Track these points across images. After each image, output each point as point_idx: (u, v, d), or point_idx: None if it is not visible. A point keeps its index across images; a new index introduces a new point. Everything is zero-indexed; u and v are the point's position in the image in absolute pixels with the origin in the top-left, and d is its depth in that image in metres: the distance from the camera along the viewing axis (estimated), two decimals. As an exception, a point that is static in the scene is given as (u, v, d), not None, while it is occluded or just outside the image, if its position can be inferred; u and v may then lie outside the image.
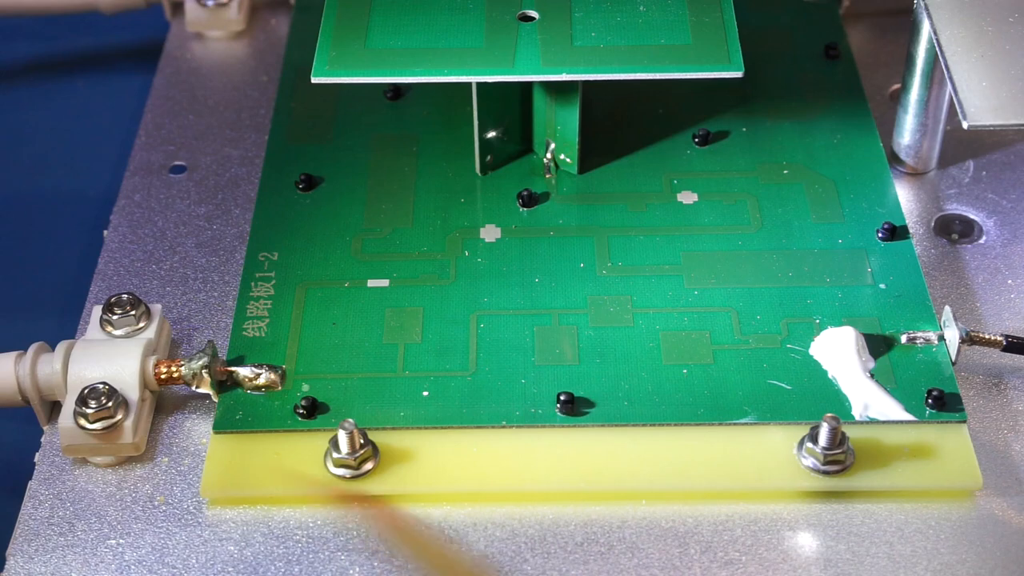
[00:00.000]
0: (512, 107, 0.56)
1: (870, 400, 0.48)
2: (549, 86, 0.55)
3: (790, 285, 0.52)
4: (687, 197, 0.55)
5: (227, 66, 0.64)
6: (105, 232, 0.56)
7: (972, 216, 0.56)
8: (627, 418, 0.47)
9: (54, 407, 0.49)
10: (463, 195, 0.56)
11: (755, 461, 0.46)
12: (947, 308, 0.50)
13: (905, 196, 0.56)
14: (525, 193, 0.55)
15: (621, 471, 0.46)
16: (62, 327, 0.55)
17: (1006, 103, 0.48)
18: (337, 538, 0.46)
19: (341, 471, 0.46)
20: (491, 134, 0.56)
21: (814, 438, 0.46)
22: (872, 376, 0.48)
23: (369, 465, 0.46)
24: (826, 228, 0.54)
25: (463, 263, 0.53)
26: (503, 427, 0.47)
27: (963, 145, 0.59)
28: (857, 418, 0.47)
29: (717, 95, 0.60)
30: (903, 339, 0.50)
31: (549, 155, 0.56)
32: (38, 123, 0.67)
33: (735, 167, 0.57)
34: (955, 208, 0.56)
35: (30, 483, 0.47)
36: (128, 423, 0.47)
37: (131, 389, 0.48)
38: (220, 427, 0.48)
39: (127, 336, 0.49)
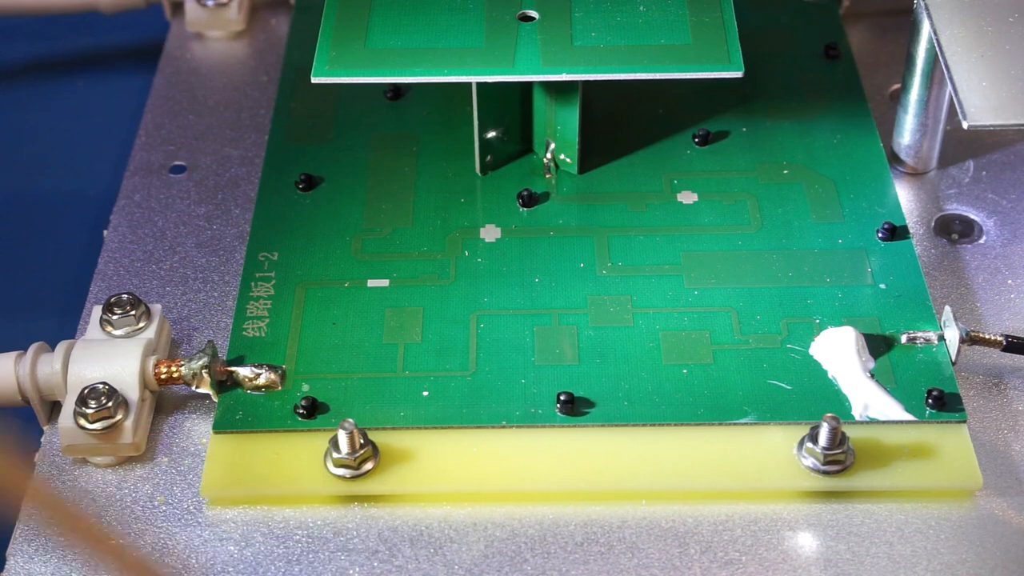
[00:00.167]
0: (512, 107, 0.56)
1: (870, 400, 0.48)
2: (549, 86, 0.55)
3: (790, 285, 0.52)
4: (687, 197, 0.55)
5: (227, 66, 0.64)
6: (105, 232, 0.56)
7: (972, 216, 0.56)
8: (627, 418, 0.47)
9: (54, 407, 0.49)
10: (463, 195, 0.56)
11: (755, 461, 0.46)
12: (947, 308, 0.50)
13: (905, 196, 0.56)
14: (525, 193, 0.55)
15: (621, 471, 0.46)
16: (62, 327, 0.55)
17: (1006, 103, 0.48)
18: (337, 538, 0.46)
19: (341, 471, 0.46)
20: (491, 134, 0.56)
21: (814, 438, 0.46)
22: (872, 376, 0.48)
23: (369, 465, 0.46)
24: (826, 228, 0.54)
25: (463, 263, 0.53)
26: (503, 427, 0.47)
27: (963, 145, 0.59)
28: (857, 418, 0.47)
29: (717, 95, 0.60)
30: (903, 339, 0.50)
31: (549, 155, 0.56)
32: (38, 123, 0.67)
33: (735, 167, 0.57)
34: (955, 208, 0.56)
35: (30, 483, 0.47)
36: (128, 423, 0.47)
37: (131, 389, 0.48)
38: (220, 427, 0.48)
39: (127, 336, 0.49)
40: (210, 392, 0.48)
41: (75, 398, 0.47)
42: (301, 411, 0.48)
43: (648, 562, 0.45)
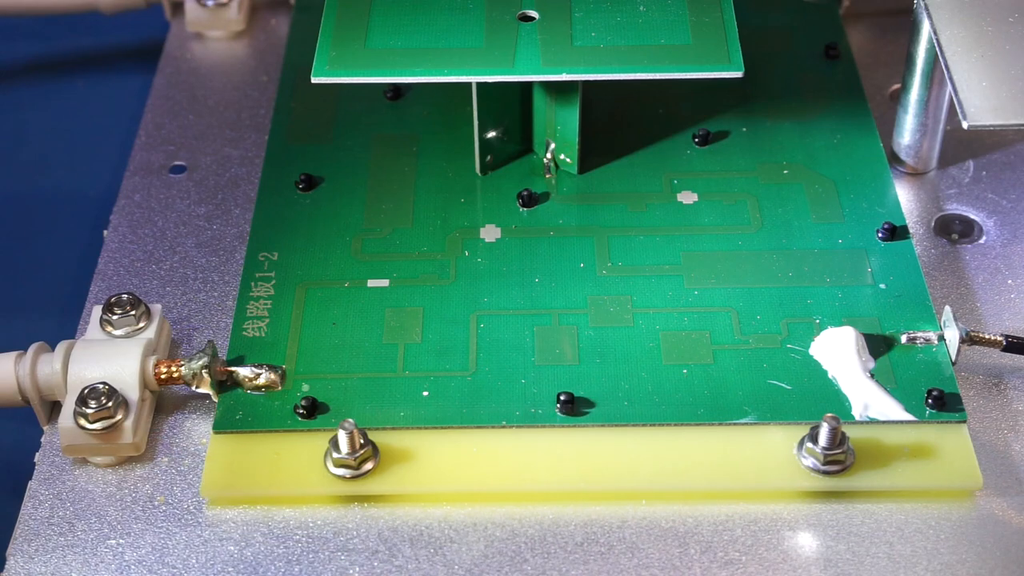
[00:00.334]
0: (512, 107, 0.56)
1: (870, 400, 0.48)
2: (549, 86, 0.55)
3: (790, 285, 0.52)
4: (687, 197, 0.55)
5: (227, 66, 0.64)
6: (105, 232, 0.56)
7: (972, 216, 0.56)
8: (627, 418, 0.47)
9: (54, 407, 0.49)
10: (463, 195, 0.56)
11: (755, 461, 0.46)
12: (947, 308, 0.50)
13: (905, 196, 0.56)
14: (525, 193, 0.55)
15: (621, 471, 0.46)
16: (62, 327, 0.55)
17: (1006, 103, 0.48)
18: (337, 538, 0.46)
19: (341, 471, 0.46)
20: (491, 134, 0.56)
21: (814, 438, 0.46)
22: (872, 376, 0.48)
23: (369, 465, 0.46)
24: (826, 228, 0.54)
25: (463, 263, 0.53)
26: (503, 427, 0.47)
27: (963, 145, 0.59)
28: (857, 418, 0.47)
29: (717, 95, 0.60)
30: (903, 339, 0.50)
31: (549, 155, 0.56)
32: (38, 123, 0.67)
33: (735, 167, 0.57)
34: (955, 208, 0.56)
35: (30, 483, 0.47)
36: (128, 423, 0.47)
37: (131, 389, 0.48)
38: (220, 427, 0.48)
39: (127, 336, 0.49)
40: (210, 392, 0.48)
41: (75, 398, 0.47)
42: (301, 411, 0.48)
43: (648, 562, 0.45)
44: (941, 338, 0.50)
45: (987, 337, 0.49)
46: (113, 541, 0.46)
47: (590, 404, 0.48)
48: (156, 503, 0.47)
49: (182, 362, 0.48)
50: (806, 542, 0.45)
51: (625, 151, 0.58)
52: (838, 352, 0.49)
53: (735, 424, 0.47)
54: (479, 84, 0.54)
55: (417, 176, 0.57)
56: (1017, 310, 0.52)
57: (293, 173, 0.57)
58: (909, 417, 0.47)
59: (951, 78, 0.49)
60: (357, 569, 0.45)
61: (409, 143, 0.58)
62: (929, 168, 0.58)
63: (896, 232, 0.53)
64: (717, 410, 0.48)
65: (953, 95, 0.49)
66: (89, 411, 0.46)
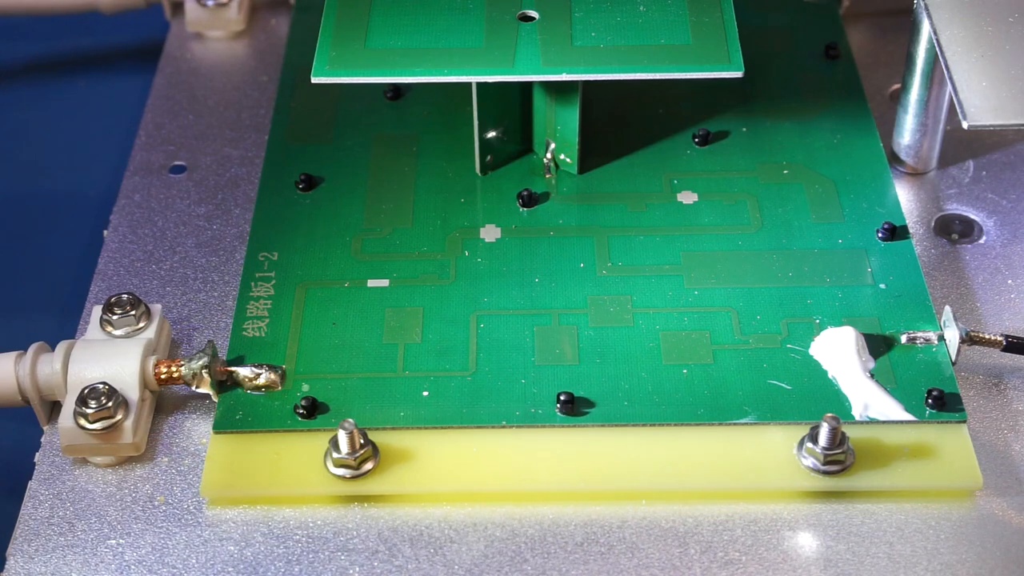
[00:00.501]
0: (512, 107, 0.56)
1: (870, 400, 0.48)
2: (549, 86, 0.55)
3: (790, 285, 0.52)
4: (687, 197, 0.55)
5: (227, 66, 0.64)
6: (105, 232, 0.56)
7: (972, 216, 0.56)
8: (627, 418, 0.47)
9: (54, 407, 0.49)
10: (463, 195, 0.56)
11: (755, 461, 0.46)
12: (947, 308, 0.50)
13: (905, 196, 0.56)
14: (525, 193, 0.55)
15: (621, 471, 0.46)
16: (62, 327, 0.55)
17: (1006, 103, 0.48)
18: (337, 538, 0.46)
19: (341, 471, 0.46)
20: (491, 134, 0.56)
21: (814, 438, 0.46)
22: (872, 376, 0.48)
23: (369, 465, 0.46)
24: (826, 228, 0.54)
25: (463, 263, 0.53)
26: (503, 427, 0.47)
27: (963, 145, 0.59)
28: (857, 418, 0.47)
29: (717, 95, 0.60)
30: (903, 339, 0.50)
31: (549, 155, 0.56)
32: (38, 123, 0.67)
33: (735, 167, 0.57)
34: (955, 208, 0.56)
35: (30, 483, 0.47)
36: (128, 423, 0.47)
37: (131, 389, 0.48)
38: (220, 427, 0.48)
39: (127, 336, 0.49)
40: (210, 392, 0.48)
41: (75, 398, 0.47)
42: (301, 411, 0.48)
43: (648, 562, 0.45)
44: (941, 338, 0.50)
45: (987, 337, 0.49)
46: (113, 541, 0.46)
47: (590, 404, 0.48)
48: (156, 503, 0.47)
49: (182, 362, 0.48)
50: (806, 542, 0.45)
51: (625, 151, 0.58)
52: (838, 352, 0.49)
53: (735, 424, 0.47)
54: (479, 84, 0.54)
55: (417, 176, 0.57)
56: (1017, 310, 0.52)
57: (293, 173, 0.57)
58: (909, 417, 0.47)
59: (951, 78, 0.49)
60: (357, 569, 0.45)
61: (409, 143, 0.58)
62: (929, 168, 0.58)
63: (896, 232, 0.53)
64: (717, 410, 0.48)
65: (953, 95, 0.49)
66: (89, 411, 0.46)
